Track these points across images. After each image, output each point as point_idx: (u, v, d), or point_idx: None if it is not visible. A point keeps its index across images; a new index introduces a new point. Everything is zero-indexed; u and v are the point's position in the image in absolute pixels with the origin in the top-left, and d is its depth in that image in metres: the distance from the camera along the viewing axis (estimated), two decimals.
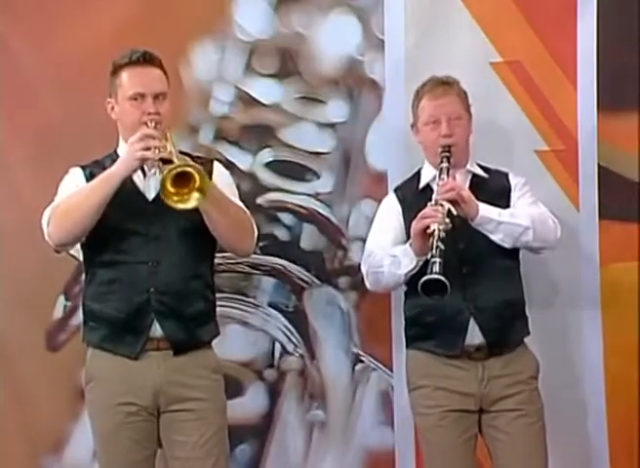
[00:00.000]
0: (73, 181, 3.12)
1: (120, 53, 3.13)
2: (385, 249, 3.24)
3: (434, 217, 3.03)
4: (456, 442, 3.20)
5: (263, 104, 3.82)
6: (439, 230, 3.00)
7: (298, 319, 3.80)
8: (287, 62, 3.80)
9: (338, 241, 3.80)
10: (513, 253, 3.25)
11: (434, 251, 2.98)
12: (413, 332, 3.30)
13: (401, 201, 3.33)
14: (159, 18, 3.78)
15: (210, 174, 3.05)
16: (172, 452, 3.07)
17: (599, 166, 3.61)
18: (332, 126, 3.80)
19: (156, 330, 3.03)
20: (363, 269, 3.32)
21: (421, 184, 3.33)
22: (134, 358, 3.02)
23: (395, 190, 3.41)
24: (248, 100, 3.82)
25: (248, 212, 3.10)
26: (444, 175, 3.17)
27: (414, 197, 3.30)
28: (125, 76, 3.05)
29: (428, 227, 3.03)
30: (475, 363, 3.20)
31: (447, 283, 2.93)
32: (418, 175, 3.36)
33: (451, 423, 3.19)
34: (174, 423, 3.05)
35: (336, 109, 3.80)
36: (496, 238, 3.15)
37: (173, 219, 2.98)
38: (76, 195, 3.02)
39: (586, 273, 3.62)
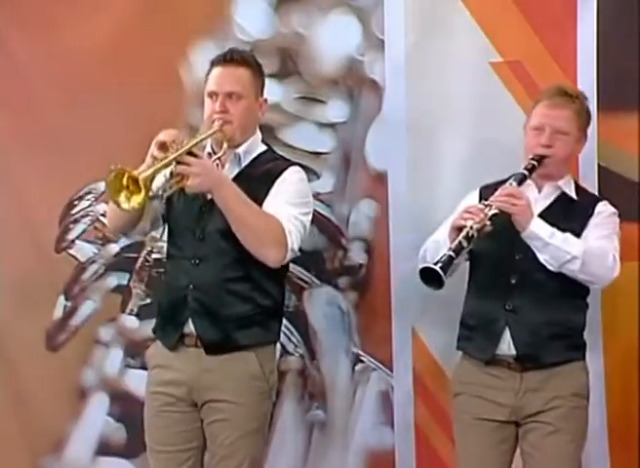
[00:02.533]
0: None
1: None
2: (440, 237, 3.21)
3: (474, 216, 3.01)
4: (487, 452, 3.16)
5: None
6: (471, 228, 2.98)
7: (298, 319, 3.79)
8: (287, 62, 3.80)
9: (338, 241, 3.80)
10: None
11: (453, 244, 2.97)
12: (460, 333, 3.28)
13: (481, 199, 3.23)
14: (159, 18, 3.78)
15: (277, 177, 3.09)
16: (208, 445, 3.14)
17: (599, 166, 3.61)
18: (332, 126, 3.80)
19: (190, 327, 3.06)
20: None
21: None
22: (171, 349, 3.09)
23: (481, 188, 3.33)
24: None
25: (282, 222, 3.01)
26: (514, 182, 3.12)
27: None
28: (211, 73, 3.15)
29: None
30: (513, 373, 3.14)
31: (443, 275, 2.90)
32: (510, 177, 3.25)
33: (484, 432, 3.16)
34: (204, 420, 3.09)
35: (336, 109, 3.80)
36: (542, 257, 3.09)
37: (222, 219, 2.99)
38: None
39: None
